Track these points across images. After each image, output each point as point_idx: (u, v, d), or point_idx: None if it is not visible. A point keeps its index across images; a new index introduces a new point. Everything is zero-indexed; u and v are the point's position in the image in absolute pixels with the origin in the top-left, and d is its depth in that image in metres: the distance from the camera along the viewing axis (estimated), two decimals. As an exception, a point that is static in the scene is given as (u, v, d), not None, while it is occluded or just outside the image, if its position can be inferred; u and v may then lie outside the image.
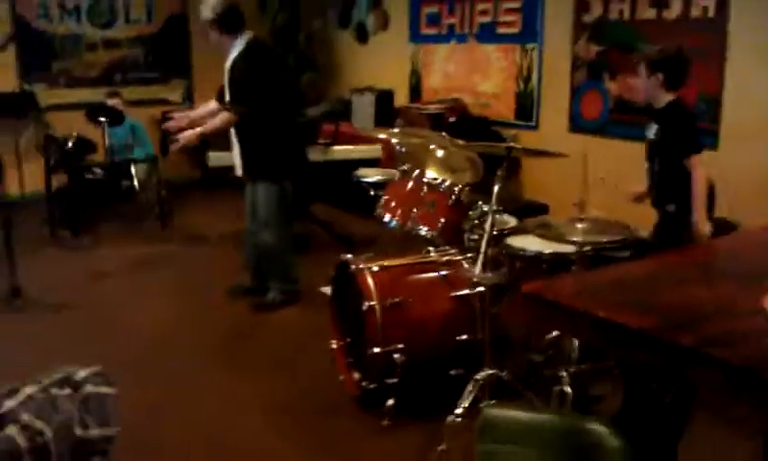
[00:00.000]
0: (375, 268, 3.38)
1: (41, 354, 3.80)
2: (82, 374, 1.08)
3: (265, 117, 4.34)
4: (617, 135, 5.32)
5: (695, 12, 4.79)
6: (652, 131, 3.47)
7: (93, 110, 6.03)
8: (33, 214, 6.21)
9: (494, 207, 2.98)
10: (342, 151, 5.68)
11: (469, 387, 3.11)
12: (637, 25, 5.15)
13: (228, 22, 4.29)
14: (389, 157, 5.54)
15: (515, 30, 6.11)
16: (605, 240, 3.03)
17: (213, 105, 4.61)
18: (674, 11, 4.91)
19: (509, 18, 6.15)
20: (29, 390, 0.99)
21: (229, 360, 3.97)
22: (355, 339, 3.54)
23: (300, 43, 8.04)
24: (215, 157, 5.34)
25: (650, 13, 5.07)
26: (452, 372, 3.36)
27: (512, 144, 3.03)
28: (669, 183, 3.39)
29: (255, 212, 4.56)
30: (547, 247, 3.35)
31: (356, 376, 3.50)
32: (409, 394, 3.29)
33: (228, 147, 4.60)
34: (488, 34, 6.36)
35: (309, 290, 4.81)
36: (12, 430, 0.93)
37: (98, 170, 6.13)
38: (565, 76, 5.72)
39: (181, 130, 4.49)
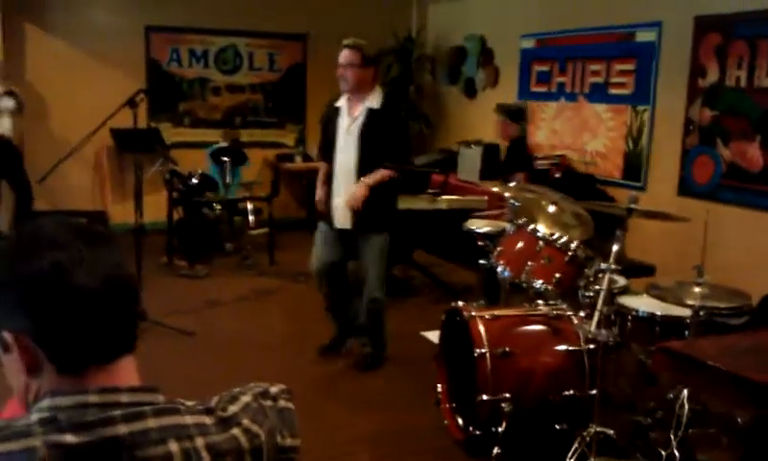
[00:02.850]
0: (487, 316, 3.48)
1: (169, 376, 4.05)
2: (274, 389, 1.23)
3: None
4: (730, 201, 5.26)
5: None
6: None
7: (218, 150, 6.42)
8: (151, 243, 6.61)
9: (613, 266, 3.04)
10: (448, 201, 5.82)
11: (576, 443, 3.15)
12: (753, 92, 5.11)
13: (378, 69, 4.25)
14: (494, 209, 5.65)
15: (626, 91, 6.15)
16: (722, 306, 3.04)
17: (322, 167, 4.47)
18: (794, 80, 4.86)
19: (621, 79, 6.20)
20: (245, 398, 1.15)
21: (337, 395, 4.12)
22: (461, 385, 3.62)
23: (410, 95, 8.32)
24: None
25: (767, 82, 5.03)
26: (557, 426, 3.40)
27: (633, 205, 3.09)
28: None
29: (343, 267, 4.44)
30: (660, 308, 3.37)
31: (460, 421, 3.58)
32: (513, 444, 3.34)
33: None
34: (598, 93, 6.42)
35: (411, 333, 4.93)
36: (236, 431, 1.08)
37: (216, 205, 6.48)
38: (677, 139, 5.71)
39: (325, 212, 4.38)
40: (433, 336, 4.55)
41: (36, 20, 7.55)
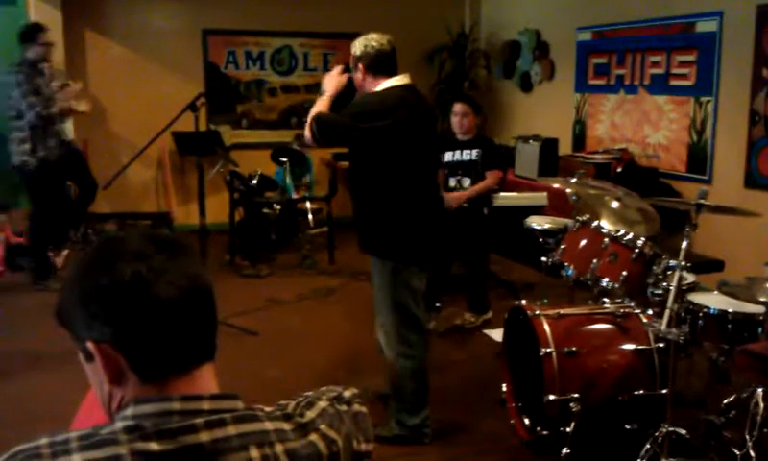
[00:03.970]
0: (552, 315, 3.45)
1: (233, 376, 4.13)
2: (347, 393, 1.24)
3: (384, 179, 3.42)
4: (799, 193, 5.11)
5: None
6: (472, 154, 5.16)
7: (277, 151, 6.50)
8: (214, 244, 6.73)
9: (683, 263, 2.98)
10: (508, 198, 5.76)
11: (648, 443, 3.10)
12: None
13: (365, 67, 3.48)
14: (554, 206, 5.58)
15: (688, 82, 6.01)
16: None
17: None
18: None
19: (682, 70, 6.07)
20: (321, 403, 1.16)
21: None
22: (526, 384, 3.60)
23: (464, 91, 8.29)
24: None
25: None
26: (627, 426, 3.35)
27: (702, 201, 3.02)
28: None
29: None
30: (732, 306, 3.29)
31: (526, 420, 3.56)
32: (582, 444, 3.30)
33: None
34: (659, 85, 6.29)
35: (473, 332, 4.92)
36: (314, 437, 1.08)
37: (276, 205, 6.57)
38: (742, 130, 5.56)
39: None
40: (496, 335, 4.54)
41: (97, 26, 7.75)
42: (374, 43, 3.45)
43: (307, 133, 3.44)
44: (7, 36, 7.34)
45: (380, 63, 3.46)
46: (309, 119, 3.42)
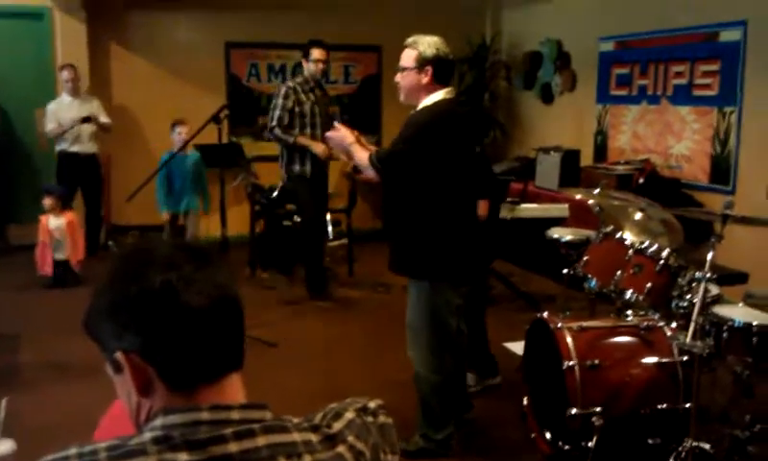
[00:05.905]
0: (575, 328, 3.42)
1: (253, 388, 4.14)
2: (372, 404, 1.23)
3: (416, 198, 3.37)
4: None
5: None
6: None
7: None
8: (235, 255, 6.76)
9: (708, 275, 2.95)
10: (528, 209, 5.74)
11: (671, 458, 3.06)
12: None
13: (441, 71, 3.39)
14: (576, 217, 5.55)
15: (712, 92, 5.97)
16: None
17: None
18: None
19: (706, 80, 6.02)
20: (348, 415, 1.15)
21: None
22: (547, 398, 3.57)
23: (484, 102, 8.29)
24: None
25: None
26: (650, 440, 3.31)
27: (728, 212, 2.99)
28: None
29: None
30: (757, 318, 3.25)
31: (548, 435, 3.53)
32: (604, 459, 3.27)
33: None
34: (682, 96, 6.25)
35: (493, 344, 4.89)
36: (341, 449, 1.08)
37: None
38: (766, 140, 5.51)
39: None
40: (516, 347, 4.51)
41: (121, 40, 7.84)
42: (445, 49, 3.41)
43: (371, 173, 3.44)
44: (33, 51, 7.48)
45: (444, 72, 3.41)
46: (364, 163, 3.44)
